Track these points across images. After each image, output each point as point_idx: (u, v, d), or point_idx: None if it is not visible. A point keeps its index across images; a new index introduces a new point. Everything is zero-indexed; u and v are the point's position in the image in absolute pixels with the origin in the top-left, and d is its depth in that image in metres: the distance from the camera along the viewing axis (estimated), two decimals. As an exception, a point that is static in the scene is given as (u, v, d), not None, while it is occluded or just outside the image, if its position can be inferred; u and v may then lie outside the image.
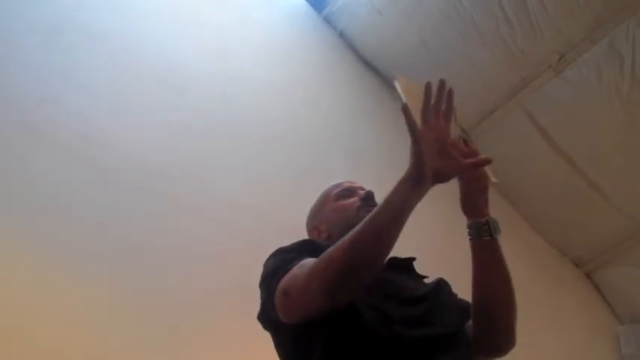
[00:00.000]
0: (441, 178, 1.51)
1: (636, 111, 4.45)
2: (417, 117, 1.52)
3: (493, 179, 1.73)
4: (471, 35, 4.39)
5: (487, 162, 1.59)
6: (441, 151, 1.51)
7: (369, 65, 4.84)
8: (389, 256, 1.76)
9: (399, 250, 1.78)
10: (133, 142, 3.09)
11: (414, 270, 1.90)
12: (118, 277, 2.70)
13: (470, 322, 1.74)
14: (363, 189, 1.96)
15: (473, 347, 1.71)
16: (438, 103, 1.54)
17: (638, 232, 5.21)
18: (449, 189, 1.67)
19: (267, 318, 1.66)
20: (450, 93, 1.56)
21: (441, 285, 1.84)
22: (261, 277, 1.71)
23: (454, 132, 1.60)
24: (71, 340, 2.47)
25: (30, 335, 2.38)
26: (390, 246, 1.48)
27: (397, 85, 1.74)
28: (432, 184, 1.50)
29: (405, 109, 1.47)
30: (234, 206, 3.26)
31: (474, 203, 1.72)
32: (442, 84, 1.55)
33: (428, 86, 1.52)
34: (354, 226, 1.51)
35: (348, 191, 1.98)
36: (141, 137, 3.13)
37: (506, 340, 1.74)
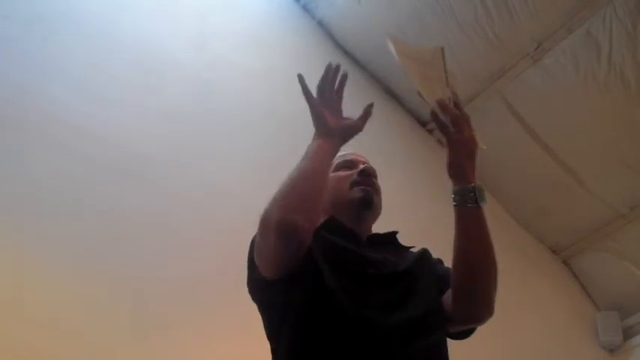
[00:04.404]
0: (344, 133, 1.75)
1: (613, 99, 4.48)
2: (413, 77, 1.76)
3: (482, 146, 1.73)
4: (449, 23, 4.40)
5: (368, 113, 1.79)
6: (333, 114, 1.77)
7: (347, 53, 4.84)
8: (370, 233, 1.86)
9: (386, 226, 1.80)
10: (109, 127, 3.08)
11: (397, 243, 1.91)
12: (92, 266, 2.70)
13: (449, 291, 1.72)
14: (365, 164, 1.96)
15: (448, 316, 1.70)
16: (332, 82, 1.81)
17: (616, 218, 5.24)
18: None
19: (255, 283, 1.68)
20: (344, 77, 1.82)
21: (424, 257, 1.84)
22: (249, 250, 1.73)
23: (446, 94, 1.75)
24: (46, 329, 2.47)
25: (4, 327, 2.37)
26: (315, 185, 1.61)
27: (390, 44, 1.77)
28: (341, 138, 1.74)
29: (300, 78, 1.75)
30: (213, 191, 3.26)
31: (461, 168, 1.70)
32: (337, 69, 1.81)
33: (329, 66, 1.81)
34: (342, 200, 1.78)
35: (350, 163, 1.97)
36: (118, 122, 3.13)
37: (485, 310, 1.70)
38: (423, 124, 5.10)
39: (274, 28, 4.44)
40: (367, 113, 1.79)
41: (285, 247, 1.51)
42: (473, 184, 1.68)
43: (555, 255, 5.66)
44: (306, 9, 4.72)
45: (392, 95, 4.96)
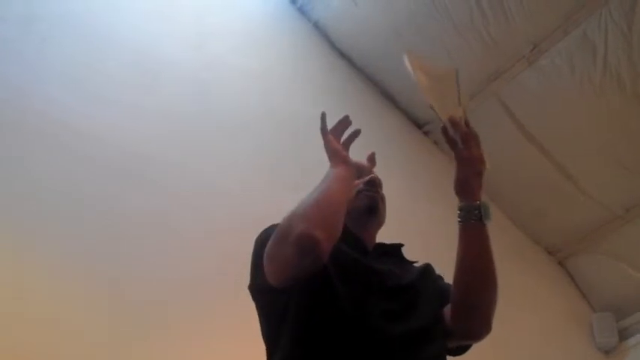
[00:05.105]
0: (356, 166, 1.86)
1: (608, 101, 4.51)
2: (427, 92, 1.79)
3: (488, 165, 1.76)
4: (445, 25, 4.42)
5: (373, 161, 2.01)
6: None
7: (343, 55, 4.85)
8: (376, 243, 1.88)
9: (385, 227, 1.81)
10: (107, 128, 3.08)
11: (402, 256, 1.92)
12: (92, 266, 2.69)
13: (448, 305, 1.74)
14: (372, 173, 1.99)
15: (449, 330, 1.71)
16: (340, 132, 1.84)
17: (611, 220, 5.27)
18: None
19: (259, 287, 1.67)
20: (354, 133, 1.87)
21: (427, 272, 1.85)
22: (253, 249, 1.73)
23: (458, 113, 1.78)
24: (46, 329, 2.46)
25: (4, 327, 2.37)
26: (336, 206, 1.60)
27: (406, 59, 1.80)
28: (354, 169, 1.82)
29: (322, 117, 1.81)
30: (213, 191, 3.27)
31: (468, 185, 1.73)
32: (347, 122, 1.86)
33: (343, 118, 1.85)
34: (348, 207, 1.69)
35: (357, 172, 1.97)
36: (117, 122, 3.13)
37: (483, 326, 1.73)
38: (419, 125, 5.12)
39: (270, 29, 4.45)
40: (373, 161, 2.01)
41: (301, 261, 1.49)
42: (478, 202, 1.71)
43: (551, 256, 5.68)
44: (302, 11, 4.73)
45: (388, 97, 4.97)
